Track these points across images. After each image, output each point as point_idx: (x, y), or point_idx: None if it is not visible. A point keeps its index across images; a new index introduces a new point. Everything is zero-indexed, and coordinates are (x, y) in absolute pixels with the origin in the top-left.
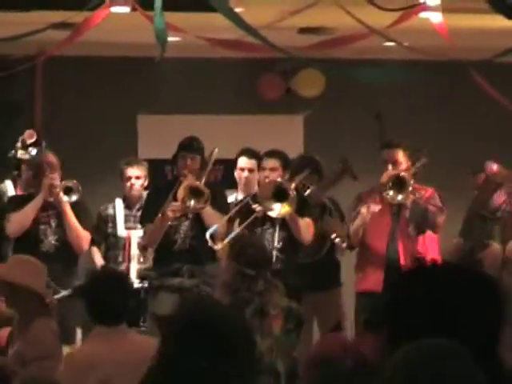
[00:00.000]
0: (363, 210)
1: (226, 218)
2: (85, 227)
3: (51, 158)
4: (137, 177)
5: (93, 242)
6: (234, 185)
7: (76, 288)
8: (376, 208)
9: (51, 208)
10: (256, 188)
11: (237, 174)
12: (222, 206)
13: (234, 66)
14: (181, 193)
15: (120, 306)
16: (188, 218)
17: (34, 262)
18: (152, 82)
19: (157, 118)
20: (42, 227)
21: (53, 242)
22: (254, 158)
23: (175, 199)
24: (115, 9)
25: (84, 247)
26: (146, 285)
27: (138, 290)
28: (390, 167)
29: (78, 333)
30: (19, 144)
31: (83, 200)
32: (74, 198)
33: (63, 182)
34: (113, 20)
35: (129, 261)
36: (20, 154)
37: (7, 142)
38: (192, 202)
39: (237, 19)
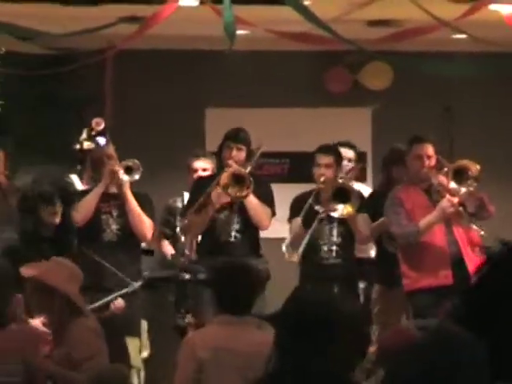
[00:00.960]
0: (445, 204)
1: (298, 224)
2: (149, 218)
3: (110, 150)
4: (203, 169)
5: (163, 235)
6: (300, 178)
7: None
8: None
9: (113, 198)
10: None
11: (314, 170)
12: (266, 198)
13: (302, 59)
14: (224, 179)
15: (248, 296)
16: (233, 211)
17: (71, 267)
18: (220, 76)
19: (225, 112)
20: (104, 217)
21: (115, 231)
22: (331, 154)
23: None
24: (184, 2)
25: (147, 235)
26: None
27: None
28: (425, 161)
29: (144, 324)
30: (85, 135)
31: (147, 193)
32: (136, 176)
33: (123, 162)
34: (181, 13)
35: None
36: (86, 145)
37: (78, 137)
38: (234, 190)
39: (305, 12)
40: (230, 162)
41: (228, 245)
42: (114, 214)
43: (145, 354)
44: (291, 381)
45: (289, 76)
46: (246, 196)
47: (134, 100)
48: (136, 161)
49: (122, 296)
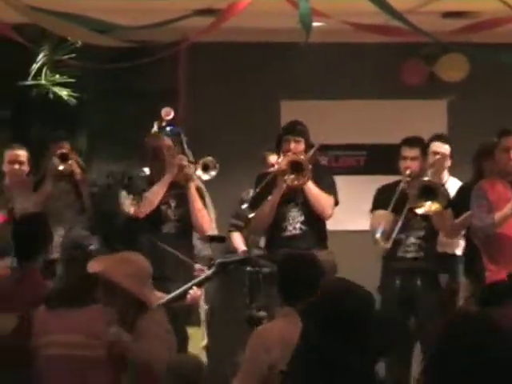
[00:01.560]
0: None
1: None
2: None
3: (168, 141)
4: (277, 163)
5: (235, 228)
6: (376, 171)
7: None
8: None
9: (170, 188)
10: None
11: (400, 163)
12: (328, 186)
13: (377, 51)
14: (282, 166)
15: (313, 289)
16: (297, 203)
17: (139, 262)
18: (296, 68)
19: (300, 104)
20: (163, 208)
21: (173, 221)
22: (416, 147)
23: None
24: None
25: (206, 229)
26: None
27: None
28: None
29: (203, 313)
30: (155, 127)
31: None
32: (213, 173)
33: (201, 160)
34: (257, 5)
35: None
36: (153, 133)
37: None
38: (292, 177)
39: (382, 3)
40: (290, 154)
41: (294, 237)
42: (172, 204)
43: (203, 343)
44: (316, 375)
45: (364, 68)
46: (304, 183)
47: (208, 93)
48: (212, 158)
49: (196, 285)
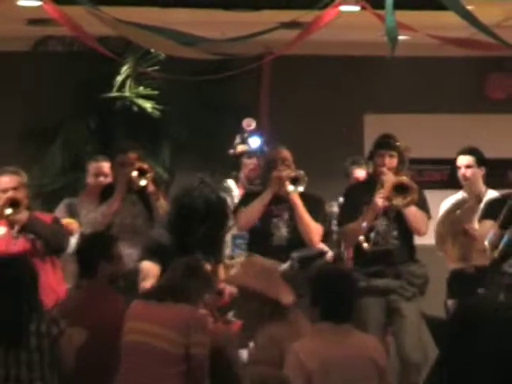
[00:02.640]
0: None
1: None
2: (315, 220)
3: (285, 153)
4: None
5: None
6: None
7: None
8: None
9: (284, 201)
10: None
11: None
12: (422, 203)
13: (462, 65)
14: (386, 190)
15: (349, 304)
16: (390, 218)
17: (264, 264)
18: (380, 81)
19: (384, 118)
20: (274, 220)
21: (285, 234)
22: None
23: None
24: (345, 8)
25: (315, 241)
26: None
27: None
28: None
29: None
30: (238, 139)
31: (320, 195)
32: (301, 188)
33: (289, 172)
34: (342, 19)
35: None
36: (239, 148)
37: (234, 142)
38: (397, 200)
39: (469, 17)
40: (384, 169)
41: (387, 252)
42: (285, 217)
43: None
44: None
45: (448, 82)
46: (410, 203)
47: (290, 106)
48: (301, 172)
49: None
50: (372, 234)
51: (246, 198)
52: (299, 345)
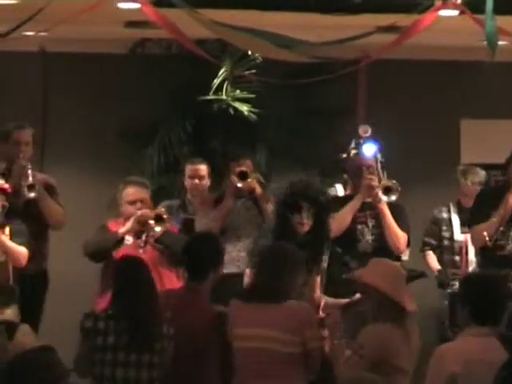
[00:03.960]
0: None
1: None
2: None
3: (371, 162)
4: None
5: (429, 246)
6: None
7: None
8: None
9: (369, 208)
10: None
11: None
12: None
13: None
14: None
15: (501, 308)
16: None
17: (393, 266)
18: (478, 87)
19: (480, 123)
20: (359, 227)
21: (370, 241)
22: None
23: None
24: (444, 12)
25: (401, 248)
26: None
27: None
28: None
29: None
30: (353, 144)
31: (401, 203)
32: (393, 197)
33: (383, 182)
34: (440, 23)
35: (466, 266)
36: (352, 153)
37: (331, 147)
38: None
39: None
40: None
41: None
42: (370, 224)
43: None
44: None
45: None
46: None
47: (385, 110)
48: (394, 181)
49: None
50: (507, 240)
51: (334, 204)
52: (445, 347)
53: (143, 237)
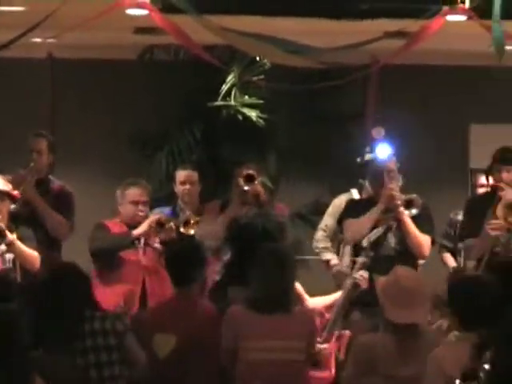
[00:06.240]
0: None
1: None
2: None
3: (392, 165)
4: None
5: (445, 248)
6: None
7: None
8: None
9: (391, 210)
10: None
11: None
12: None
13: None
14: (500, 211)
15: (490, 312)
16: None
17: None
18: (486, 91)
19: (489, 128)
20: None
21: (393, 245)
22: None
23: (494, 214)
24: (452, 17)
25: (425, 253)
26: None
27: None
28: None
29: None
30: (367, 148)
31: (427, 206)
32: (414, 211)
33: (405, 196)
34: (448, 28)
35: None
36: (367, 157)
37: (341, 152)
38: None
39: None
40: (502, 184)
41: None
42: (393, 227)
43: None
44: None
45: None
46: None
47: (394, 116)
48: (416, 195)
49: None
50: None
51: (351, 207)
52: (441, 350)
53: (142, 240)
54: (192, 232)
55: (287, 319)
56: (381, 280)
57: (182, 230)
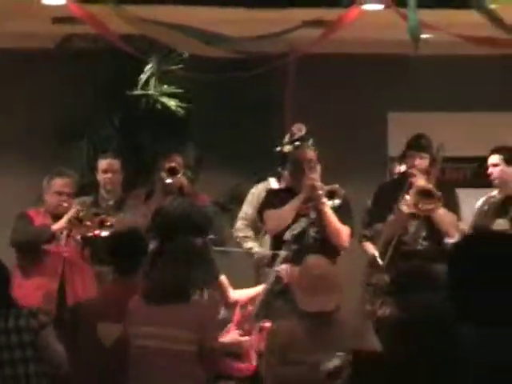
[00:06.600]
0: None
1: None
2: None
3: (310, 155)
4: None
5: (364, 238)
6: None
7: None
8: None
9: (311, 200)
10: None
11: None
12: (451, 205)
13: (484, 63)
14: (411, 198)
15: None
16: (420, 219)
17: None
18: (403, 80)
19: (408, 116)
20: (302, 219)
21: (312, 234)
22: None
23: (405, 201)
24: (369, 6)
25: (344, 243)
26: None
27: None
28: None
29: None
30: (286, 139)
31: (346, 198)
32: (337, 202)
33: (327, 187)
34: (366, 17)
35: None
36: (286, 149)
37: (260, 141)
38: (423, 205)
39: (491, 16)
40: (414, 170)
41: (415, 252)
42: (312, 216)
43: None
44: None
45: (472, 80)
46: (435, 209)
47: (313, 105)
48: (338, 186)
49: None
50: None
51: (271, 197)
52: None
53: (64, 232)
54: (106, 234)
55: (180, 310)
56: (294, 270)
57: (96, 231)
